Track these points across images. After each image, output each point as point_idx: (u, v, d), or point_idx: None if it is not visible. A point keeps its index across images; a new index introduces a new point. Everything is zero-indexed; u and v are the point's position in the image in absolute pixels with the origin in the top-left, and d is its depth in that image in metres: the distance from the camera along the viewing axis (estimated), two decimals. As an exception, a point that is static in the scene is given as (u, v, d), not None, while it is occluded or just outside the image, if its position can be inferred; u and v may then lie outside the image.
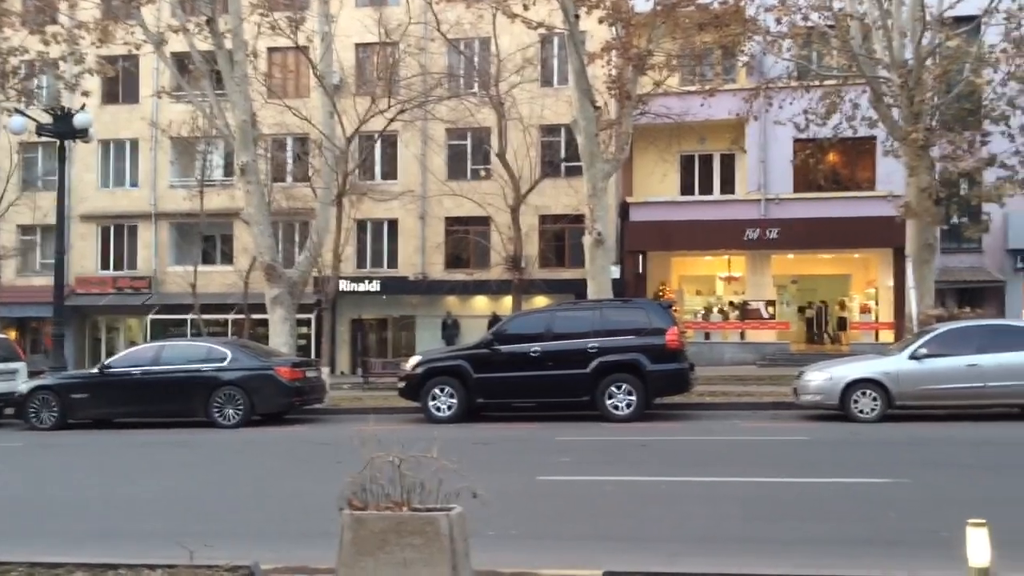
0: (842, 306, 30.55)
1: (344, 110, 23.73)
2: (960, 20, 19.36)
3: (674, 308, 19.72)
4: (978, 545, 4.48)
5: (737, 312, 29.24)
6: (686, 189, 30.57)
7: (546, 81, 30.98)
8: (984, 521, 4.48)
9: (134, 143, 34.38)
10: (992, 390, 14.07)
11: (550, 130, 30.98)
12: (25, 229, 34.09)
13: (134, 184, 34.61)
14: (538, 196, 28.92)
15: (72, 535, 7.93)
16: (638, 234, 28.71)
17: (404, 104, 24.79)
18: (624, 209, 29.46)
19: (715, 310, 29.48)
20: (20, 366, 18.46)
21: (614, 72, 20.15)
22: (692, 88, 24.44)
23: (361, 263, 32.54)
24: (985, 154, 19.32)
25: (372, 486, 5.57)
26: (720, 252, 29.74)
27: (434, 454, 5.56)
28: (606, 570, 5.89)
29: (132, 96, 34.08)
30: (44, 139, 24.57)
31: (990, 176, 19.73)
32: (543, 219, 30.73)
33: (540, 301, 28.03)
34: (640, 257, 29.36)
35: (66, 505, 9.54)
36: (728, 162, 30.54)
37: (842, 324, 30.48)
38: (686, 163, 30.74)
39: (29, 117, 21.62)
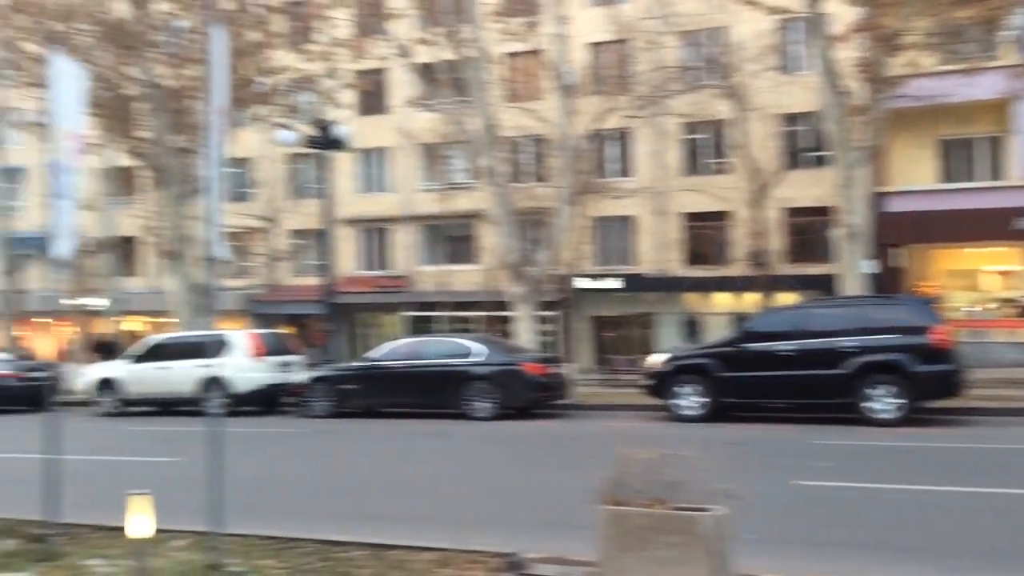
0: None
1: (579, 109, 24.04)
2: None
3: (937, 305, 18.37)
4: None
5: (1012, 309, 26.72)
6: (946, 176, 28.32)
7: (786, 68, 29.81)
8: None
9: (387, 151, 36.62)
10: None
11: (792, 119, 29.80)
12: (296, 233, 37.22)
13: (388, 189, 36.87)
14: (782, 188, 27.88)
15: (347, 515, 8.56)
16: (893, 226, 26.91)
17: (639, 100, 24.73)
18: (877, 199, 27.72)
19: (984, 307, 27.08)
20: (298, 359, 20.17)
21: (862, 55, 19.05)
22: (950, 67, 22.61)
23: (600, 260, 32.81)
24: None
25: (629, 482, 5.62)
26: (985, 244, 27.29)
27: (688, 453, 5.53)
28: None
29: (384, 107, 36.31)
30: (309, 151, 26.76)
31: None
32: (788, 212, 29.59)
33: (787, 298, 27.00)
34: (896, 250, 27.53)
35: (340, 488, 10.35)
36: (993, 146, 27.98)
37: None
38: (945, 148, 28.46)
39: (296, 130, 23.64)
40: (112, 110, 22.48)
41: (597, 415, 16.68)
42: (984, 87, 22.75)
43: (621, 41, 27.10)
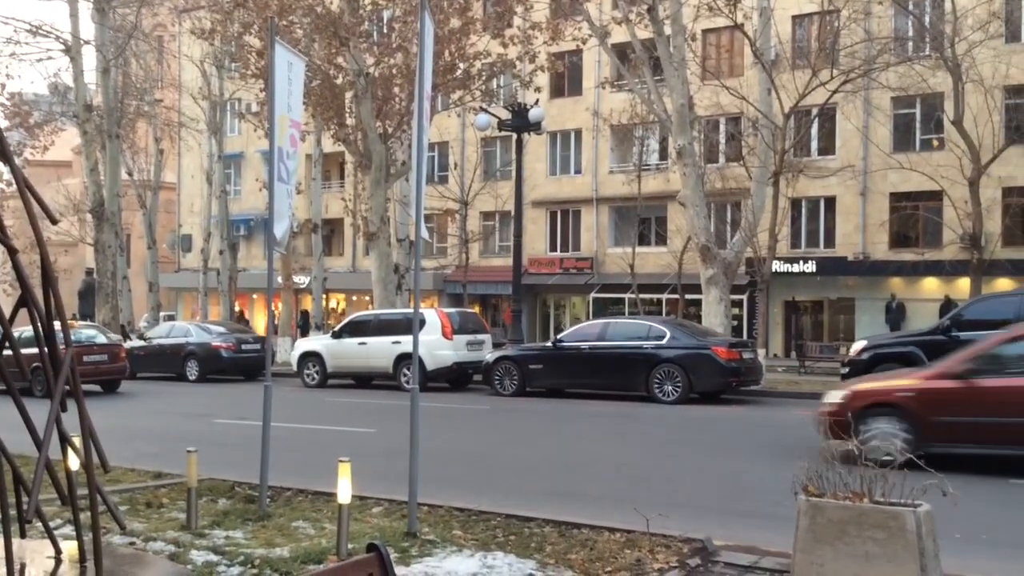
0: None
1: (781, 85, 23.13)
2: None
3: None
4: None
5: None
6: None
7: (1012, 36, 27.45)
8: None
9: (578, 133, 36.76)
10: None
11: (1016, 91, 27.48)
12: (486, 215, 38.11)
13: (578, 171, 37.04)
14: (1001, 166, 25.78)
15: (533, 492, 8.71)
16: None
17: (848, 74, 23.48)
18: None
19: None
20: (486, 338, 20.68)
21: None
22: None
23: (795, 243, 31.61)
24: None
25: (829, 473, 5.42)
26: None
27: (897, 447, 5.26)
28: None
29: (576, 89, 36.43)
30: (501, 134, 27.24)
31: None
32: (1007, 192, 27.38)
33: (1003, 284, 25.02)
34: None
35: (525, 465, 10.53)
36: None
37: None
38: None
39: (492, 114, 24.12)
40: (322, 98, 23.77)
41: (789, 403, 16.12)
42: None
43: (828, 12, 25.76)
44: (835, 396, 10.19)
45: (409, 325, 18.83)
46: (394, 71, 23.49)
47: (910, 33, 28.59)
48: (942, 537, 5.50)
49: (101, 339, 20.18)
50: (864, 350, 15.46)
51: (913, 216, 29.23)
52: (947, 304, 23.99)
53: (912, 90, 26.65)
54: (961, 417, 9.32)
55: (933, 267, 28.15)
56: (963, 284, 26.36)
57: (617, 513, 7.11)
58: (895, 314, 28.02)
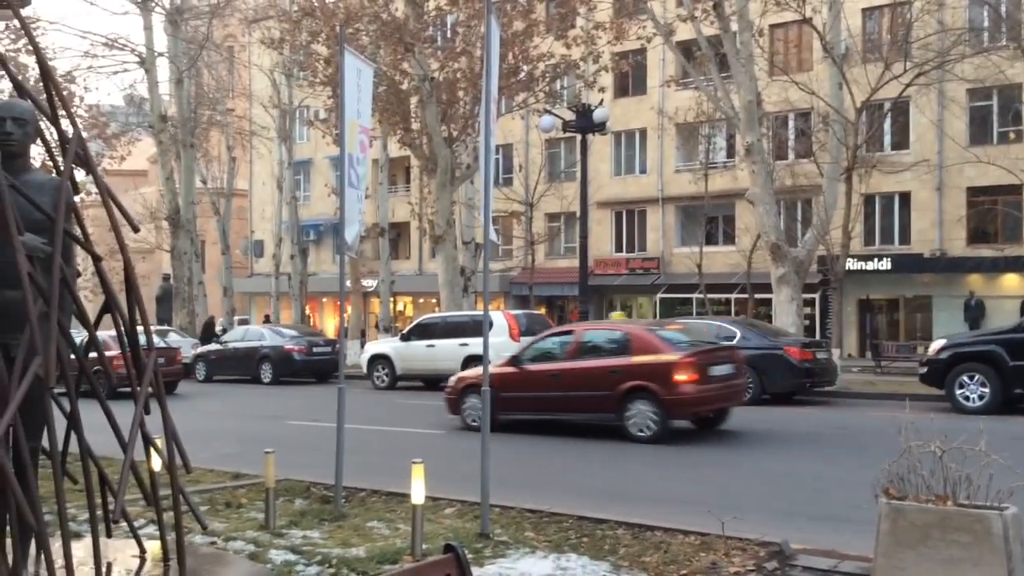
0: None
1: (853, 79, 22.63)
2: None
3: None
4: None
5: None
6: None
7: (1096, 22, 26.39)
8: None
9: (642, 132, 36.51)
10: None
11: (1101, 79, 26.43)
12: (551, 217, 38.09)
13: (643, 171, 36.79)
14: (1085, 158, 24.84)
15: (596, 491, 8.67)
16: None
17: (921, 67, 22.87)
18: None
19: None
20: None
21: None
22: None
23: (869, 240, 30.91)
24: None
25: (911, 476, 5.33)
26: None
27: (981, 447, 5.11)
28: None
29: (640, 88, 36.18)
30: (566, 135, 27.17)
31: None
32: (1091, 184, 26.33)
33: (1090, 280, 24.11)
34: None
35: (594, 467, 10.48)
36: None
37: None
38: None
39: (556, 115, 24.10)
40: (388, 103, 24.04)
41: (865, 404, 15.77)
42: None
43: (899, 4, 25.13)
44: (451, 380, 14.14)
45: (476, 327, 19.02)
46: (458, 75, 23.63)
47: (986, 23, 27.73)
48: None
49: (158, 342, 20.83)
50: (943, 349, 15.01)
51: (991, 211, 28.34)
52: (1030, 301, 23.22)
53: (989, 81, 25.87)
54: (517, 393, 12.62)
55: (1013, 263, 27.27)
56: (1047, 280, 25.50)
57: (691, 516, 7.04)
58: (974, 312, 27.22)
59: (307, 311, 38.41)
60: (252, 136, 36.47)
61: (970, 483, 5.16)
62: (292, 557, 5.97)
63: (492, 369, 12.48)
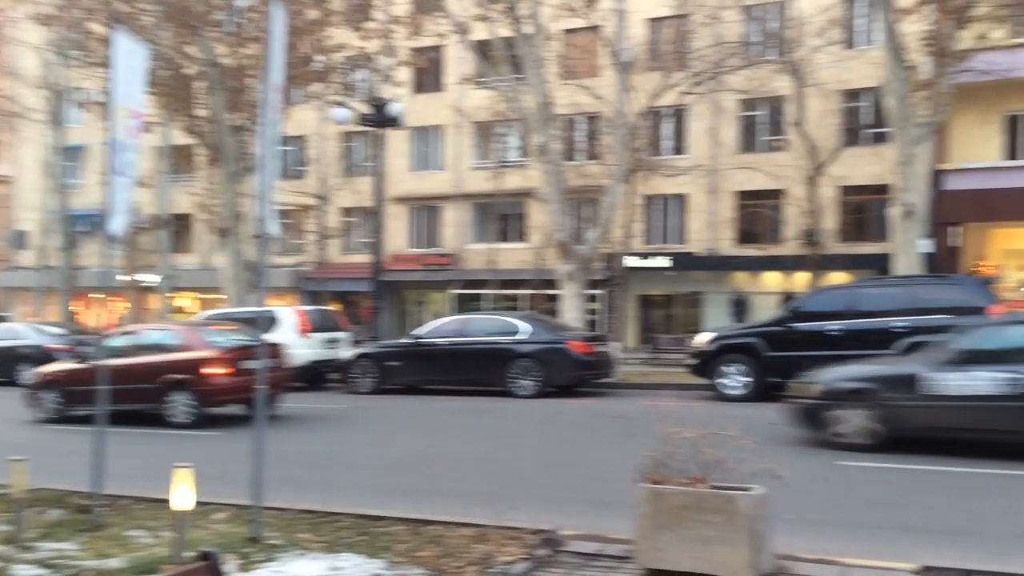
0: None
1: (636, 86, 23.77)
2: None
3: (996, 285, 17.88)
4: None
5: (1074, 291, 25.93)
6: (1011, 153, 27.45)
7: (849, 43, 29.13)
8: None
9: (440, 129, 36.68)
10: None
11: (852, 95, 29.17)
12: (346, 211, 37.53)
13: (440, 167, 36.97)
14: (838, 166, 27.33)
15: (387, 490, 8.64)
16: (953, 204, 26.23)
17: (697, 76, 24.35)
18: (937, 177, 27.04)
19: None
20: (344, 335, 20.36)
21: (930, 27, 18.50)
22: (1020, 41, 21.83)
23: (649, 239, 32.57)
24: None
25: (670, 461, 5.61)
26: (1050, 223, 26.45)
27: (733, 432, 5.48)
28: (924, 565, 5.49)
29: (438, 84, 36.32)
30: (362, 129, 26.85)
31: None
32: (843, 190, 29.03)
33: (838, 277, 26.52)
34: (954, 229, 26.82)
35: (382, 464, 10.44)
36: (1063, 122, 27.03)
37: None
38: (1011, 124, 27.58)
39: (350, 108, 23.76)
40: (171, 88, 22.81)
41: (641, 394, 16.58)
42: (1055, 62, 22.01)
43: (681, 16, 26.64)
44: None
45: (264, 324, 18.40)
46: (248, 62, 22.79)
47: (756, 38, 29.90)
48: (776, 518, 5.78)
49: None
50: (711, 341, 16.07)
51: (757, 213, 30.60)
52: (788, 297, 25.22)
53: (757, 93, 27.91)
54: (85, 387, 12.43)
55: (774, 262, 29.57)
56: (802, 278, 27.84)
57: (472, 508, 7.13)
58: (740, 307, 29.30)
59: (74, 308, 35.79)
60: (17, 118, 33.54)
61: (722, 466, 5.53)
62: (40, 572, 5.54)
63: (64, 366, 15.16)
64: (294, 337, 18.60)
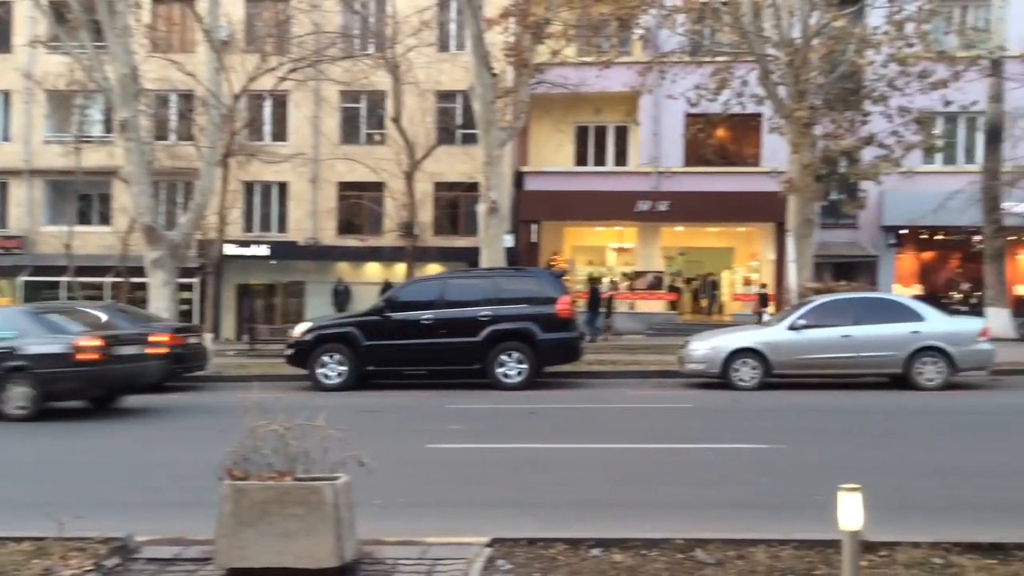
0: (725, 278, 31.43)
1: (232, 67, 22.89)
2: (846, 2, 19.93)
3: (566, 278, 19.94)
4: (850, 509, 4.65)
5: (628, 282, 29.74)
6: (581, 160, 30.76)
7: (443, 46, 30.60)
8: (857, 486, 4.65)
9: (6, 95, 32.44)
10: (864, 360, 14.72)
11: (447, 96, 30.69)
12: None
13: (5, 139, 32.68)
14: (433, 163, 28.65)
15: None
16: (532, 203, 28.82)
17: (296, 63, 24.06)
18: (519, 178, 29.51)
19: (606, 280, 29.91)
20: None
21: (512, 39, 20.04)
22: (588, 59, 24.50)
23: (249, 227, 31.66)
24: (864, 133, 20.05)
25: (255, 456, 5.46)
26: (612, 223, 30.11)
27: (320, 422, 5.46)
28: (493, 537, 5.90)
29: (4, 45, 32.07)
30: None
31: (868, 155, 20.50)
32: (438, 186, 30.49)
33: (434, 269, 27.89)
34: (533, 226, 29.48)
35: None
36: (622, 134, 30.84)
37: (721, 295, 31.37)
38: (581, 134, 30.90)
39: None
40: None
41: (237, 386, 16.04)
42: (616, 80, 24.98)
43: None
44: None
45: None
46: None
47: (356, 31, 30.30)
48: (365, 504, 5.86)
49: None
50: (307, 332, 16.02)
51: (358, 205, 31.11)
52: (387, 287, 25.97)
53: (357, 86, 28.31)
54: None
55: (375, 253, 30.30)
56: (401, 269, 28.84)
57: (32, 520, 6.35)
58: (342, 297, 29.64)
59: None
60: None
61: (308, 457, 5.48)
62: None
63: None
64: None
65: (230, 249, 29.30)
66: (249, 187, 31.15)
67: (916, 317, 14.90)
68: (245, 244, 30.89)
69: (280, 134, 31.60)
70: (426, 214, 29.84)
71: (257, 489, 5.34)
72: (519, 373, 15.12)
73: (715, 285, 31.61)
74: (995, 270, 22.87)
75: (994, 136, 22.61)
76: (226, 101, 21.77)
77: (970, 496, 7.43)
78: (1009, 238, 23.87)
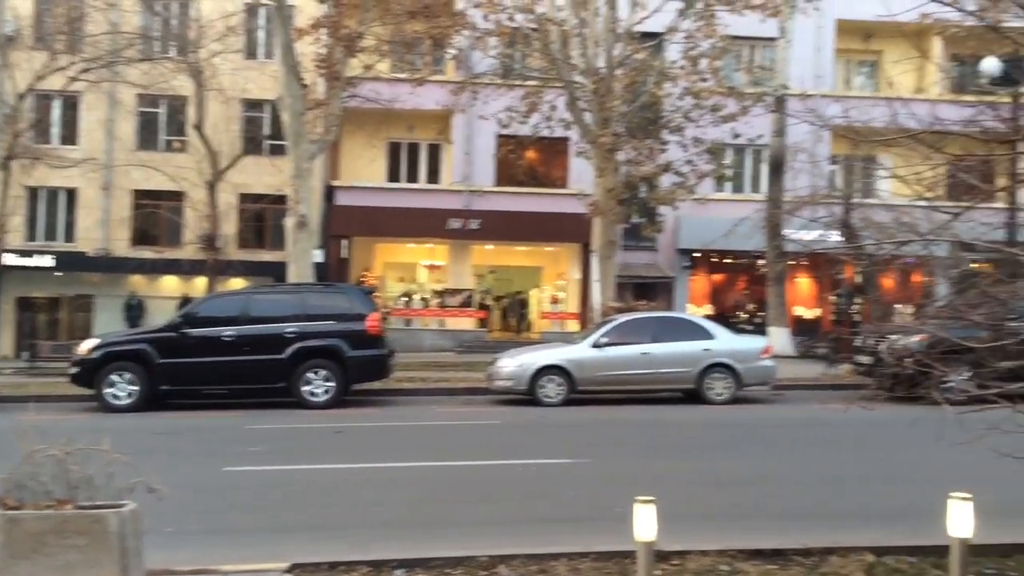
0: (534, 297, 32.17)
1: (17, 63, 21.25)
2: (647, 36, 21.00)
3: (376, 294, 19.73)
4: (645, 520, 4.83)
5: (438, 300, 29.84)
6: (393, 176, 30.63)
7: (251, 53, 29.68)
8: (652, 498, 4.83)
9: None
10: (661, 376, 15.45)
11: (254, 105, 29.75)
12: None
13: None
14: (238, 173, 27.69)
15: None
16: (343, 218, 28.39)
17: (89, 63, 22.61)
18: (329, 192, 29.00)
19: (416, 297, 29.86)
20: None
21: (323, 51, 19.73)
22: (402, 76, 24.51)
23: (32, 235, 29.37)
24: (662, 161, 21.14)
25: (31, 483, 5.08)
26: (424, 240, 30.15)
27: (106, 446, 5.13)
28: (293, 563, 5.71)
29: None
30: None
31: (666, 181, 21.62)
32: (243, 198, 29.44)
33: (237, 283, 26.90)
34: (344, 242, 29.05)
35: None
36: (434, 152, 31.00)
37: (531, 314, 32.11)
38: (394, 150, 30.79)
39: None
40: None
41: (14, 408, 14.75)
42: (430, 98, 25.11)
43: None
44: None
45: None
46: None
47: (156, 32, 28.90)
48: (155, 533, 5.54)
49: None
50: (95, 349, 14.99)
51: (155, 215, 29.56)
52: (185, 302, 24.78)
53: (156, 90, 26.93)
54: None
55: (173, 266, 28.84)
56: (201, 283, 27.62)
57: None
58: (135, 311, 28.04)
59: None
60: None
61: (91, 484, 5.12)
62: None
63: None
64: None
65: (10, 259, 27.10)
66: (34, 192, 28.94)
67: (707, 335, 15.79)
68: (27, 254, 28.61)
69: (70, 137, 29.57)
70: (230, 226, 28.75)
71: (32, 519, 4.97)
72: (326, 391, 14.80)
73: (524, 303, 32.24)
74: (777, 292, 24.60)
75: (777, 168, 24.37)
76: (9, 100, 20.15)
77: (753, 504, 7.92)
78: (789, 263, 25.73)
